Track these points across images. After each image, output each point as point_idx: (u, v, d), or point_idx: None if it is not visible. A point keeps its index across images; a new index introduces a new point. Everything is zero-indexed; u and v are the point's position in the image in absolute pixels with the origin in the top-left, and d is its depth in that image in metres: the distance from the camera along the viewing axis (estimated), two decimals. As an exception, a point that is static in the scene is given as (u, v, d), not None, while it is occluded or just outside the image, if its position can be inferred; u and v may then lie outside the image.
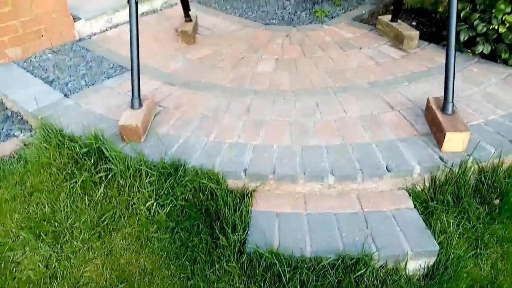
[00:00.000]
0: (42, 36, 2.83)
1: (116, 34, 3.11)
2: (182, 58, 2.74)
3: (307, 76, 2.50)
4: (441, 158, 1.79)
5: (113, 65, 2.70)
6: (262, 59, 2.72)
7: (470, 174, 1.80)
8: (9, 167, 2.00)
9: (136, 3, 1.93)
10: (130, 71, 1.98)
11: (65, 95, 2.39)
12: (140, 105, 2.03)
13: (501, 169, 1.84)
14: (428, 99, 2.01)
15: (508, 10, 2.31)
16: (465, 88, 2.28)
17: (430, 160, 1.78)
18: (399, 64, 2.57)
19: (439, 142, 1.84)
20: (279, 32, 3.08)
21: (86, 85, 2.49)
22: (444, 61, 1.88)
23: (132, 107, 2.02)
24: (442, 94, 1.91)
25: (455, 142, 1.79)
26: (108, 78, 2.56)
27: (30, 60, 2.76)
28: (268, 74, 2.55)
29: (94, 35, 3.10)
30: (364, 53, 2.73)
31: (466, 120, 1.92)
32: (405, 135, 1.94)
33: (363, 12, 3.33)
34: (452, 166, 1.77)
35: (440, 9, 2.73)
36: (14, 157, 2.09)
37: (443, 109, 1.89)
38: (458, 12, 2.50)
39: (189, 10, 2.95)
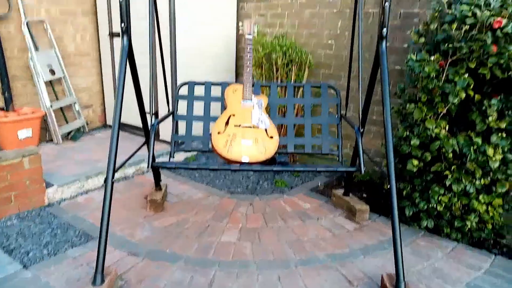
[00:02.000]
0: (11, 202, 2.90)
1: (86, 200, 3.22)
2: (149, 227, 2.84)
3: (269, 246, 2.62)
4: None
5: (79, 232, 2.73)
6: (227, 228, 2.85)
7: None
8: None
9: (112, 184, 2.10)
10: (97, 245, 2.04)
11: (24, 266, 2.34)
12: (103, 280, 2.02)
13: None
14: (382, 277, 2.14)
15: (442, 191, 2.67)
16: (416, 262, 2.45)
17: None
18: (353, 236, 2.77)
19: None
20: (243, 200, 3.30)
21: (48, 254, 2.47)
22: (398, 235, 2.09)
23: (93, 283, 2.00)
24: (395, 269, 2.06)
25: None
26: (72, 247, 2.56)
27: (-6, 227, 2.76)
28: (232, 244, 2.65)
29: (64, 200, 3.19)
30: (321, 224, 2.94)
31: (419, 297, 2.02)
32: (364, 313, 1.99)
33: (319, 184, 3.68)
34: None
35: (385, 186, 3.09)
36: None
37: (397, 288, 2.01)
38: (401, 190, 2.85)
39: (160, 180, 3.18)
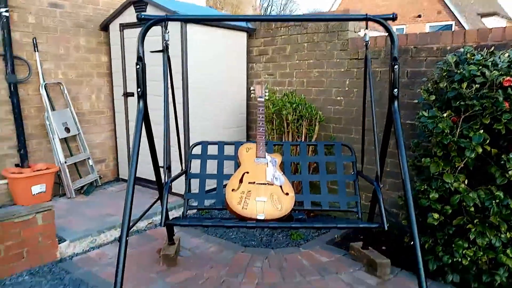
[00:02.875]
0: (23, 258, 2.84)
1: (98, 255, 3.15)
2: (162, 283, 2.74)
3: (288, 303, 2.51)
4: None
5: (91, 288, 2.65)
6: (243, 284, 2.75)
7: None
8: None
9: (126, 243, 2.07)
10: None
11: (34, 325, 2.25)
12: None
13: None
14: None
15: (466, 245, 2.59)
16: (445, 319, 2.32)
17: None
18: (377, 291, 2.66)
19: None
20: (258, 255, 3.21)
21: (60, 312, 2.38)
22: None
23: None
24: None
25: None
26: (84, 305, 2.47)
27: (4, 283, 2.68)
28: (250, 301, 2.54)
29: (76, 255, 3.13)
30: (342, 279, 2.83)
31: None
32: None
33: (335, 236, 3.60)
34: None
35: (406, 240, 3.01)
36: None
37: None
38: (422, 244, 2.78)
39: (174, 234, 3.13)
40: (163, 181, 2.58)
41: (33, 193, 3.89)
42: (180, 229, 3.62)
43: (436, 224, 2.67)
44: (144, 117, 2.40)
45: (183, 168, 3.06)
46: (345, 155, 2.98)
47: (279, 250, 3.32)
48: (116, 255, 2.09)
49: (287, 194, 2.56)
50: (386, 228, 2.28)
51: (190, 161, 2.96)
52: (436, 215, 2.66)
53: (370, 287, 2.72)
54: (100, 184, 4.67)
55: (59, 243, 3.06)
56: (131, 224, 2.21)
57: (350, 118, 3.96)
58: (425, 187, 2.75)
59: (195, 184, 3.04)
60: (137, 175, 4.95)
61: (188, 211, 2.87)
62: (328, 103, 4.11)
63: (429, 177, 2.77)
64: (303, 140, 3.98)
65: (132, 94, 4.59)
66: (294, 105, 3.96)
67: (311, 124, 4.06)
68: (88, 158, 4.58)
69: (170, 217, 3.84)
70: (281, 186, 2.60)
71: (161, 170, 2.71)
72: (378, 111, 3.59)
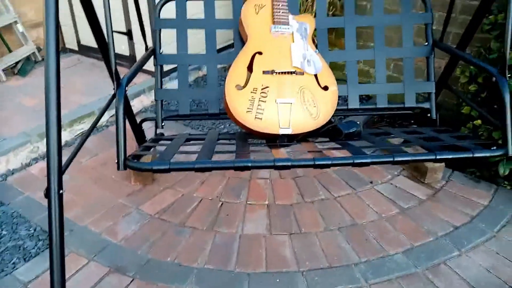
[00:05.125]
0: None
1: (44, 170, 2.29)
2: (137, 214, 1.97)
3: (316, 241, 1.80)
4: None
5: (34, 230, 1.86)
6: (248, 208, 2.00)
7: None
8: None
9: (61, 196, 1.15)
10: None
11: None
12: None
13: None
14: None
15: None
16: (537, 258, 1.67)
17: None
18: (431, 211, 1.95)
19: None
20: (262, 156, 2.41)
21: (-14, 278, 1.63)
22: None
23: None
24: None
25: None
26: (25, 259, 1.71)
27: None
28: (262, 238, 1.82)
29: (12, 173, 2.26)
30: (379, 191, 2.10)
31: None
32: None
33: (357, 122, 2.77)
34: None
35: (463, 131, 2.19)
36: None
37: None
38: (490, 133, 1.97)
39: (145, 137, 2.22)
40: (116, 76, 1.46)
41: None
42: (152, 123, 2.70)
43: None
44: None
45: (147, 44, 1.98)
46: (414, 13, 1.90)
47: (290, 149, 2.51)
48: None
49: (325, 88, 1.61)
50: (511, 152, 1.39)
51: (159, 33, 1.86)
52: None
53: (420, 204, 2.01)
54: (40, 59, 3.50)
55: (-19, 161, 2.16)
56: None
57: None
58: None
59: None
60: (87, 44, 3.80)
61: (165, 122, 1.90)
62: None
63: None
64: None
65: None
66: None
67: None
68: (16, 22, 3.30)
69: (138, 109, 2.89)
70: (316, 76, 1.62)
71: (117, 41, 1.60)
72: None
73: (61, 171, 1.12)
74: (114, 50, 1.42)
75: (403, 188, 2.12)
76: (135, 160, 1.38)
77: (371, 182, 2.17)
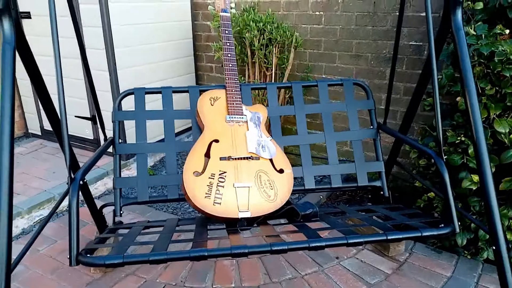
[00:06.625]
0: None
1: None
2: (96, 306, 1.86)
3: (284, 324, 1.75)
4: None
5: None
6: (213, 292, 1.94)
7: None
8: None
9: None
10: None
11: None
12: None
13: None
14: None
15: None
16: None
17: None
18: (397, 286, 1.96)
19: None
20: (226, 239, 2.39)
21: None
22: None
23: None
24: None
25: None
26: None
27: None
28: (228, 325, 1.75)
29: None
30: (345, 267, 2.10)
31: None
32: None
33: (321, 197, 2.85)
34: None
35: (422, 200, 2.30)
36: None
37: None
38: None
39: (106, 223, 2.17)
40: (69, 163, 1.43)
41: None
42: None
43: (474, 189, 1.95)
44: (20, 46, 1.33)
45: (106, 136, 2.03)
46: (358, 101, 2.07)
47: (255, 228, 2.50)
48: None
49: (281, 171, 1.68)
50: (457, 229, 1.46)
51: (118, 124, 1.92)
52: (476, 178, 1.92)
53: (387, 279, 2.02)
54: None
55: None
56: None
57: (332, 41, 3.00)
58: (461, 138, 1.98)
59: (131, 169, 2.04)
60: (47, 128, 3.80)
61: (123, 210, 1.88)
62: (303, 21, 3.09)
63: (464, 124, 2.00)
64: (273, 73, 3.00)
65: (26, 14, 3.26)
66: (261, 24, 2.90)
67: (283, 50, 3.06)
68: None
69: (101, 191, 2.86)
70: (271, 160, 1.70)
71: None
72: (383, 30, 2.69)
73: (9, 270, 1.07)
74: (69, 147, 1.42)
75: (369, 262, 2.14)
76: (88, 255, 1.34)
77: (337, 258, 2.18)
